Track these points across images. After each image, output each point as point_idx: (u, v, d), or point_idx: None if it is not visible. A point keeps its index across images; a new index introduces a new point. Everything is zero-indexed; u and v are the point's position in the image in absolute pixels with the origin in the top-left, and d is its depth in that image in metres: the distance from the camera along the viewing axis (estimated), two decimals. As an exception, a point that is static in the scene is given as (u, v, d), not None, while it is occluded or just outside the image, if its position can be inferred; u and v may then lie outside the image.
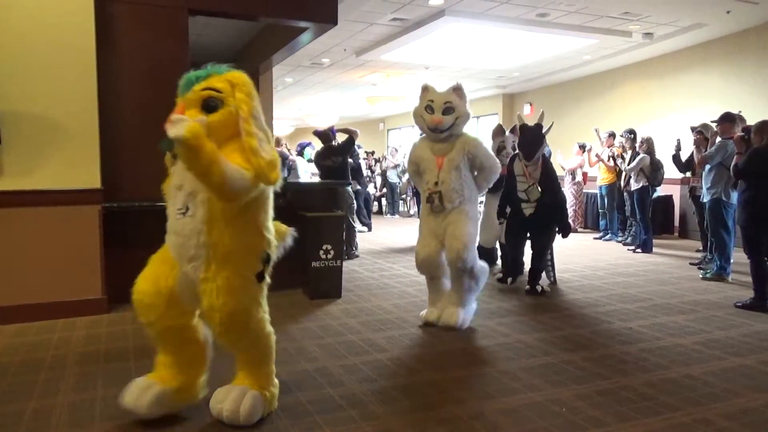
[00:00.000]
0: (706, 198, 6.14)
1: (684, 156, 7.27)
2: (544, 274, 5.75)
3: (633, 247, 8.28)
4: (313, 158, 8.77)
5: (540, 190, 5.30)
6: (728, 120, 6.02)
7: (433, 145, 4.26)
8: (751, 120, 5.85)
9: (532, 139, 5.27)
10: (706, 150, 6.39)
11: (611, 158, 8.99)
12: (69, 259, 4.56)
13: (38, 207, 4.45)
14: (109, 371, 3.40)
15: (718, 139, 6.17)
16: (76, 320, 4.45)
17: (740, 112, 6.30)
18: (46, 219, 4.46)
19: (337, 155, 7.45)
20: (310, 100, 16.39)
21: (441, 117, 4.12)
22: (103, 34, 4.75)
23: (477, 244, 4.35)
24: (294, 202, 5.43)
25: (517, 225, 5.52)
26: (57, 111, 4.49)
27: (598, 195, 9.69)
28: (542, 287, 5.46)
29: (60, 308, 4.49)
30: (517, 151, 5.62)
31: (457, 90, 4.24)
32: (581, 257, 7.66)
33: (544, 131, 5.36)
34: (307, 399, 3.00)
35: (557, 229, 5.52)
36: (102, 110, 4.69)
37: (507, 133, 6.21)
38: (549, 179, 5.38)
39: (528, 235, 5.57)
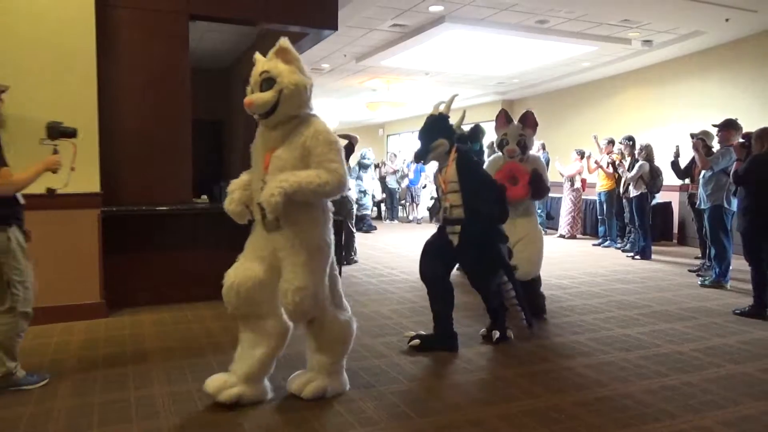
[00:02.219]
0: (705, 205, 6.13)
1: (683, 163, 7.28)
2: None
3: (632, 254, 8.28)
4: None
5: (462, 205, 3.79)
6: (730, 126, 6.03)
7: (266, 133, 2.98)
8: (749, 127, 5.86)
9: (424, 131, 3.87)
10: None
11: (610, 165, 9.01)
12: (68, 263, 4.55)
13: (37, 211, 4.42)
14: (107, 376, 3.39)
15: (717, 146, 6.19)
16: (74, 324, 4.44)
17: (737, 119, 6.30)
18: (45, 223, 4.45)
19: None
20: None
21: (254, 95, 2.88)
22: (103, 39, 4.76)
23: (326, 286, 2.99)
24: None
25: (435, 253, 3.95)
26: (57, 115, 4.46)
27: (597, 202, 9.70)
28: (502, 333, 4.07)
29: (58, 312, 4.48)
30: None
31: (282, 52, 2.91)
32: (580, 264, 7.66)
33: (455, 122, 4.01)
34: (306, 404, 2.99)
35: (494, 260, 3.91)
36: (102, 115, 4.69)
37: (515, 122, 4.83)
38: (473, 186, 3.80)
39: (462, 272, 4.23)
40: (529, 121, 4.77)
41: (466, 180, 3.79)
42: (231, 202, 3.03)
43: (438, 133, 3.84)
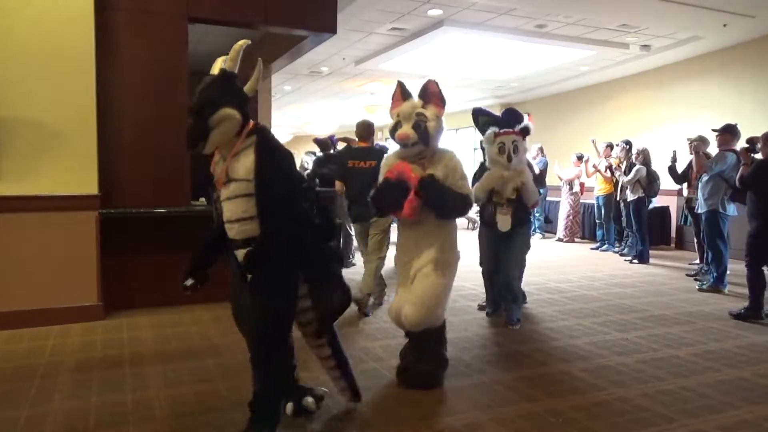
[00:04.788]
0: (702, 209, 6.15)
1: (680, 168, 7.29)
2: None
3: (630, 258, 8.29)
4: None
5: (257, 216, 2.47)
6: (729, 132, 6.05)
7: None
8: (747, 132, 5.87)
9: (198, 100, 2.48)
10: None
11: (608, 169, 9.02)
12: (65, 265, 4.55)
13: (35, 212, 4.44)
14: (104, 378, 3.38)
15: (716, 149, 6.20)
16: (71, 327, 4.43)
17: (737, 124, 6.33)
18: (43, 224, 4.46)
19: (334, 164, 7.46)
20: (309, 108, 16.43)
21: None
22: (102, 41, 4.77)
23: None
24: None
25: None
26: (55, 117, 4.49)
27: (595, 205, 9.71)
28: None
29: (55, 314, 4.48)
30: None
31: None
32: (578, 267, 7.67)
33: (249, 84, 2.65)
34: (303, 408, 2.98)
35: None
36: (100, 117, 4.69)
37: (415, 98, 3.32)
38: (279, 188, 2.48)
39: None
40: (430, 94, 3.24)
41: (268, 177, 2.45)
42: None
43: (222, 99, 2.45)
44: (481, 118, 4.63)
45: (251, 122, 2.58)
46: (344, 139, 7.75)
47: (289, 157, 2.59)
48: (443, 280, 3.25)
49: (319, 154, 8.03)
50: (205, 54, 8.86)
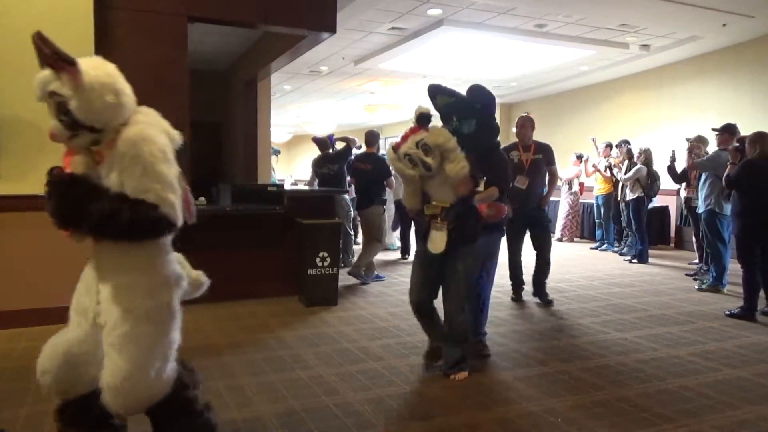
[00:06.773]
0: (701, 208, 6.16)
1: (679, 168, 7.29)
2: None
3: (629, 258, 8.29)
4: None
5: None
6: (728, 131, 6.07)
7: None
8: (747, 132, 5.87)
9: None
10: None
11: (608, 168, 9.03)
12: (64, 264, 4.52)
13: (35, 212, 4.41)
14: (103, 378, 3.37)
15: (714, 149, 6.21)
16: (70, 326, 4.42)
17: (736, 125, 6.34)
18: (43, 224, 4.41)
19: (333, 163, 7.47)
20: (308, 107, 16.44)
21: None
22: (102, 40, 4.76)
23: None
24: (291, 210, 5.44)
25: None
26: (55, 116, 4.48)
27: (595, 205, 9.71)
28: None
29: (54, 314, 4.44)
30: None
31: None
32: (577, 267, 7.67)
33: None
34: (302, 407, 2.99)
35: None
36: (100, 116, 4.68)
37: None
38: None
39: None
40: (47, 56, 2.01)
41: None
42: None
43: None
44: (440, 98, 3.46)
45: None
46: (343, 139, 7.76)
47: None
48: (145, 344, 2.08)
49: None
50: (205, 54, 8.89)
